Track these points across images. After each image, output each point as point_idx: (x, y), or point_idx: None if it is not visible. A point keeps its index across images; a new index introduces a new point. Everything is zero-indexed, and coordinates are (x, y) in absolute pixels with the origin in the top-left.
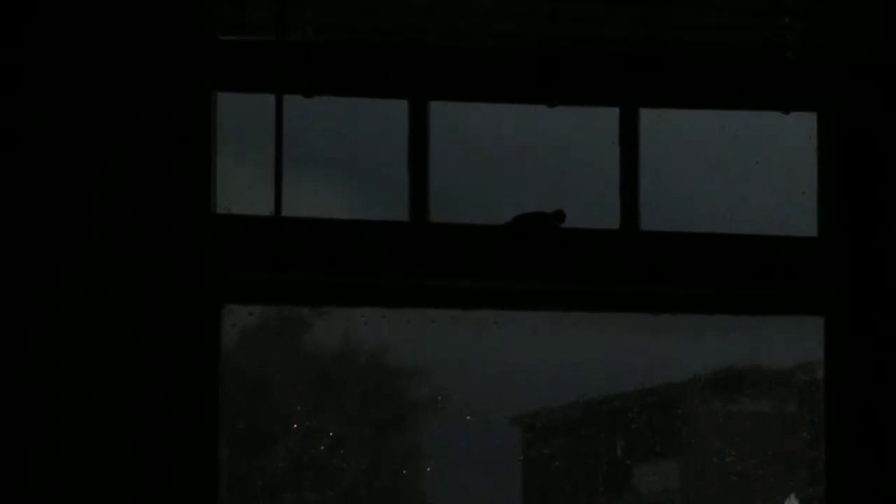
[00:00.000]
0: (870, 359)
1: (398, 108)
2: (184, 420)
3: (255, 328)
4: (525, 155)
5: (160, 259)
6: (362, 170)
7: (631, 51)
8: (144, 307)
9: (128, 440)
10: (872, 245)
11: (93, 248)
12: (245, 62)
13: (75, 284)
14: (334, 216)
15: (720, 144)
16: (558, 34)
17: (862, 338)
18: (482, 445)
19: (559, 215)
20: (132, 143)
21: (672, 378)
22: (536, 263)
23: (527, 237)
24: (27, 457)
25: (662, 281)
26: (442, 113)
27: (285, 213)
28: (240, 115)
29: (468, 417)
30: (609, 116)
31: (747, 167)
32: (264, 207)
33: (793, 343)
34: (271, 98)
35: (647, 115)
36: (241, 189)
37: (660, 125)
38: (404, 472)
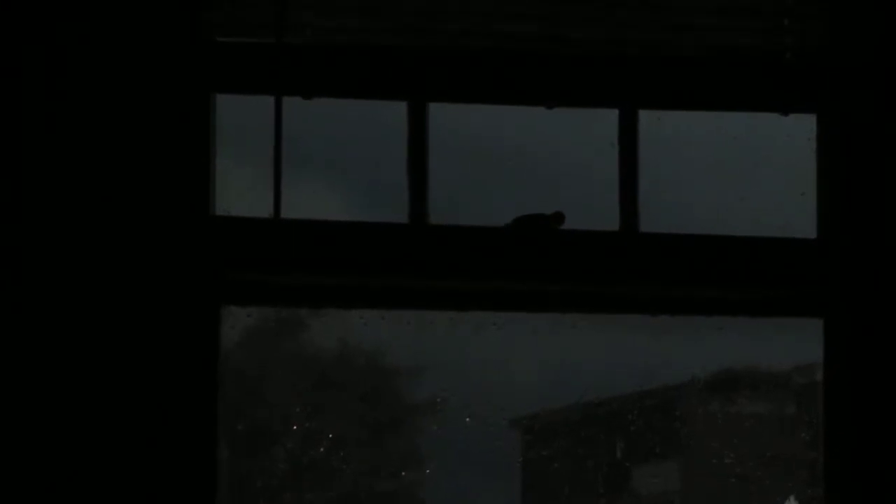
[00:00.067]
0: (869, 360)
1: (397, 110)
2: (183, 421)
3: (254, 329)
4: (524, 157)
5: (159, 260)
6: (361, 171)
7: (630, 52)
8: (143, 308)
9: (127, 441)
10: (871, 247)
11: (91, 249)
12: (244, 64)
13: (74, 285)
14: (333, 218)
15: (719, 146)
16: (557, 35)
17: (861, 339)
18: (481, 447)
19: (558, 217)
20: (131, 144)
21: (671, 380)
22: (535, 265)
23: (526, 239)
24: (27, 457)
25: (661, 282)
26: (441, 115)
27: (284, 214)
28: (239, 116)
29: (467, 419)
30: (608, 118)
31: (746, 169)
32: (263, 209)
33: (791, 345)
34: (270, 100)
35: (646, 117)
36: (240, 191)
37: (659, 127)
38: (403, 473)
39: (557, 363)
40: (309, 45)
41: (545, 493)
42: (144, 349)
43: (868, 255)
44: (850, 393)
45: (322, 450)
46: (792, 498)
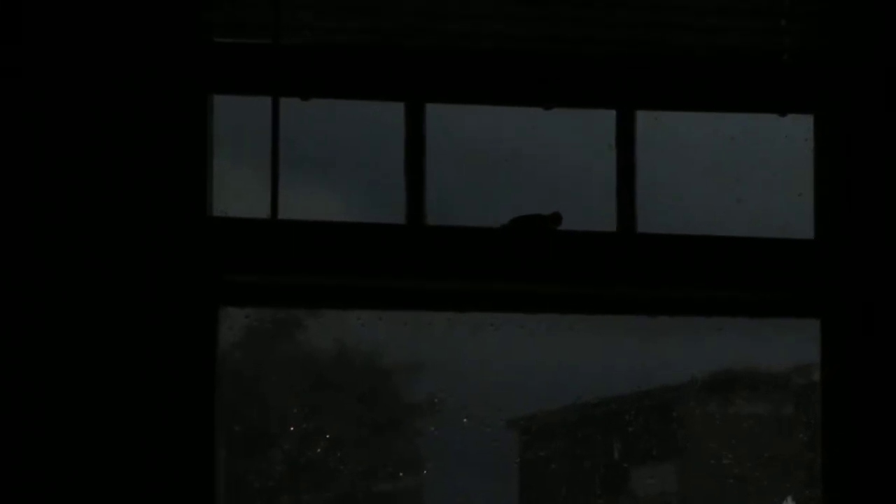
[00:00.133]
0: (867, 361)
1: (395, 111)
2: (181, 422)
3: (252, 330)
4: (522, 157)
5: (157, 261)
6: (359, 172)
7: (627, 53)
8: (141, 309)
9: (125, 441)
10: (869, 247)
11: (89, 250)
12: (241, 65)
13: (72, 286)
14: (331, 219)
15: (716, 147)
16: (554, 36)
17: (859, 340)
18: (479, 448)
19: (556, 218)
20: (129, 145)
21: (669, 380)
22: (533, 266)
23: (523, 240)
24: (26, 458)
25: (659, 283)
26: (438, 116)
27: (282, 215)
28: (237, 117)
29: (465, 420)
30: (605, 119)
31: (744, 170)
32: (261, 210)
33: (789, 345)
34: (268, 101)
35: (643, 118)
36: (237, 191)
37: (656, 128)
38: (401, 474)
39: (555, 364)
40: (306, 45)
41: (543, 494)
42: (142, 350)
43: (866, 255)
44: (847, 393)
45: (319, 451)
46: (790, 498)
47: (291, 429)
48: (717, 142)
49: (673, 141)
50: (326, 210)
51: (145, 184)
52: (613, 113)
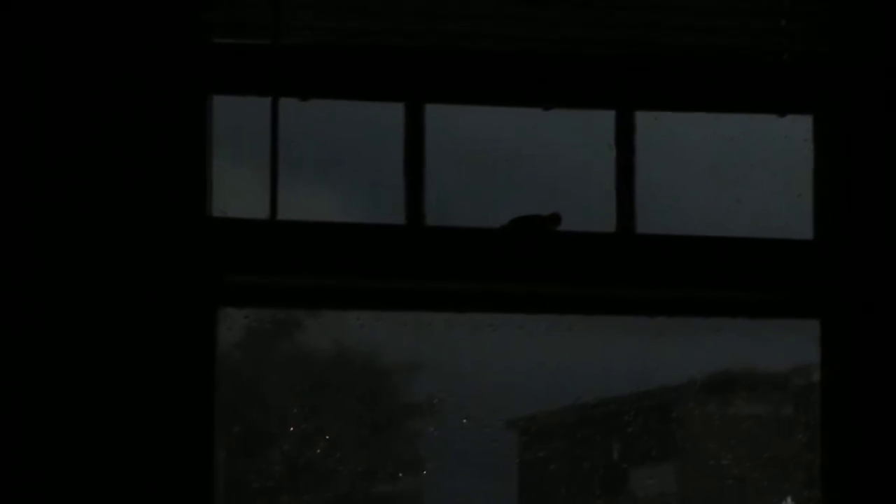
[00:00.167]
0: (866, 361)
1: (395, 111)
2: (180, 422)
3: (251, 331)
4: (521, 158)
5: (156, 262)
6: (359, 173)
7: (627, 53)
8: (141, 309)
9: (124, 441)
10: (869, 248)
11: (88, 251)
12: (241, 65)
13: (70, 286)
14: (330, 219)
15: (716, 147)
16: (553, 36)
17: (858, 340)
18: (478, 448)
19: (555, 218)
20: (128, 145)
21: (668, 381)
22: (532, 266)
23: (522, 240)
24: (25, 458)
25: (658, 284)
26: (438, 116)
27: (281, 216)
28: (236, 118)
29: (464, 420)
30: (605, 119)
31: (743, 170)
32: (260, 210)
33: (789, 346)
34: (267, 101)
35: (642, 119)
36: (237, 192)
37: (655, 128)
38: (400, 474)
39: (554, 364)
40: (305, 46)
41: (542, 495)
42: (142, 350)
43: (865, 256)
44: (847, 394)
45: (319, 451)
46: (789, 499)
47: (291, 429)
48: (717, 142)
49: (672, 141)
50: (326, 211)
51: (145, 184)
52: (613, 113)
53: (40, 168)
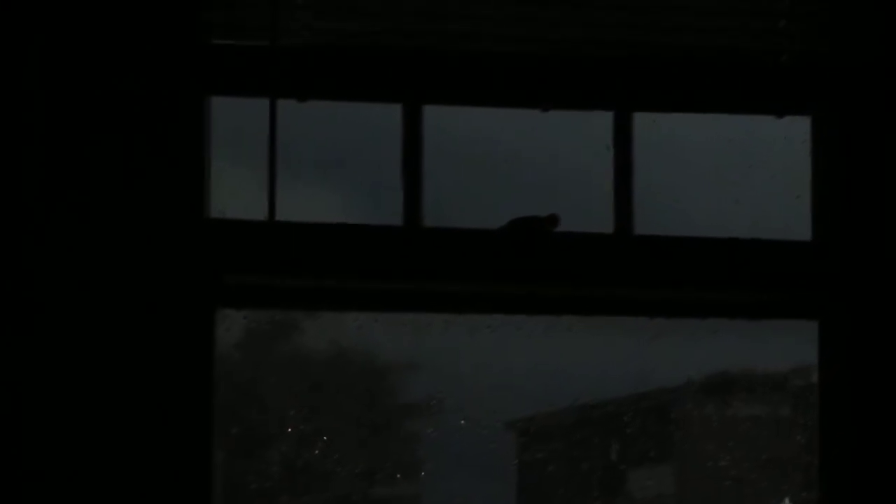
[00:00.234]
0: (865, 363)
1: (393, 113)
2: (179, 423)
3: (249, 332)
4: (519, 159)
5: (154, 263)
6: (357, 174)
7: (625, 54)
8: (138, 311)
9: (123, 443)
10: (867, 249)
11: (86, 251)
12: (239, 66)
13: (69, 288)
14: (328, 221)
15: (714, 148)
16: (551, 37)
17: (857, 341)
18: (476, 449)
19: (553, 219)
20: (126, 146)
21: (666, 382)
22: (530, 268)
23: (521, 241)
24: (24, 459)
25: (656, 285)
26: (436, 117)
27: (279, 217)
28: (235, 118)
29: (462, 421)
30: (603, 121)
31: (742, 171)
32: (259, 211)
33: (787, 347)
34: (266, 102)
35: (640, 120)
36: (235, 193)
37: (654, 129)
38: (398, 475)
39: (552, 366)
40: (303, 47)
41: (540, 496)
42: (140, 352)
43: (864, 257)
44: (846, 395)
45: (317, 452)
46: (787, 500)
47: (289, 430)
48: (716, 143)
49: (671, 142)
50: (325, 212)
51: (143, 185)
52: (611, 114)
53: (40, 168)
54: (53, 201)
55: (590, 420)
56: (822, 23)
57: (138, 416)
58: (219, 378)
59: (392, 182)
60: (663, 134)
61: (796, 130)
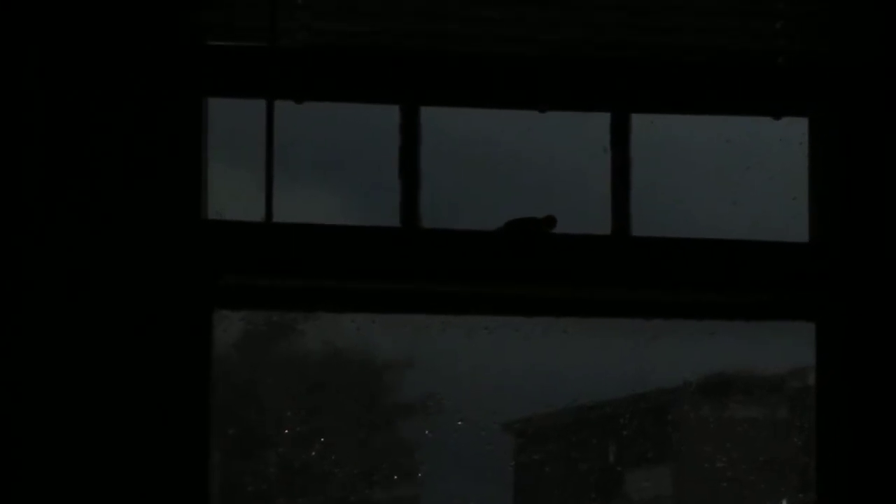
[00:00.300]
0: (862, 364)
1: (392, 114)
2: (176, 424)
3: (247, 333)
4: (517, 160)
5: (151, 264)
6: (355, 175)
7: (623, 55)
8: (135, 311)
9: (119, 444)
10: (865, 250)
11: (83, 253)
12: (236, 67)
13: (65, 288)
14: (325, 222)
15: (712, 150)
16: (549, 38)
17: (854, 343)
18: (473, 451)
19: (550, 221)
20: (123, 148)
21: (664, 384)
22: (527, 269)
23: (518, 243)
24: (20, 460)
25: (654, 286)
26: (434, 119)
27: (277, 218)
28: (232, 120)
29: (459, 423)
30: (602, 122)
31: (739, 172)
32: (256, 213)
33: (785, 349)
34: (264, 103)
35: (638, 121)
36: (233, 194)
37: (651, 131)
38: (395, 477)
39: (549, 367)
40: (300, 48)
41: (537, 497)
42: (137, 352)
43: (862, 258)
44: (843, 397)
45: (314, 453)
46: (784, 502)
47: (286, 431)
48: (713, 145)
49: (668, 144)
50: (323, 213)
51: (140, 186)
52: (608, 115)
53: (35, 171)
54: (48, 203)
55: (587, 421)
56: (820, 23)
57: (135, 417)
58: (216, 379)
59: (390, 183)
60: (661, 135)
61: (793, 132)
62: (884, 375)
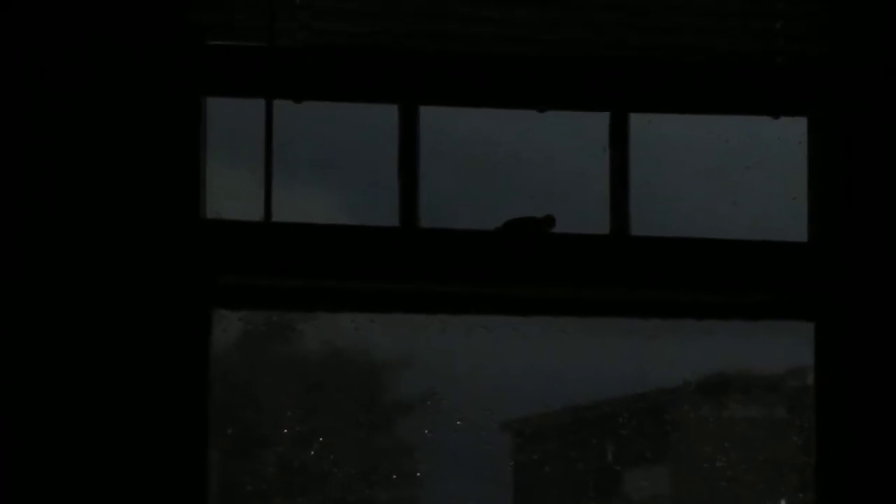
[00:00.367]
0: (861, 364)
1: (391, 113)
2: (174, 424)
3: (245, 333)
4: (516, 160)
5: (150, 264)
6: (354, 175)
7: (621, 55)
8: (134, 311)
9: (118, 443)
10: (864, 250)
11: (81, 252)
12: (235, 67)
13: (64, 288)
14: (324, 221)
15: (711, 149)
16: (548, 38)
17: (853, 343)
18: (472, 450)
19: (549, 220)
20: (121, 147)
21: (662, 383)
22: (526, 268)
23: (516, 242)
24: (15, 461)
25: (652, 286)
26: (433, 118)
27: (276, 218)
28: (230, 119)
29: (458, 422)
30: (601, 122)
31: (738, 172)
32: (255, 212)
33: (783, 348)
34: (262, 103)
35: (636, 120)
36: (231, 194)
37: (650, 130)
38: (394, 476)
39: (548, 367)
40: (298, 48)
41: (536, 497)
42: (136, 352)
43: (860, 258)
44: (841, 397)
45: (312, 453)
46: (783, 502)
47: (285, 431)
48: (712, 144)
49: (667, 144)
50: (322, 213)
51: (138, 186)
52: (607, 115)
53: (34, 170)
54: (47, 202)
55: (586, 421)
56: (818, 24)
57: (134, 417)
58: (214, 379)
59: (388, 182)
60: (659, 134)
61: (792, 131)
62: (883, 375)
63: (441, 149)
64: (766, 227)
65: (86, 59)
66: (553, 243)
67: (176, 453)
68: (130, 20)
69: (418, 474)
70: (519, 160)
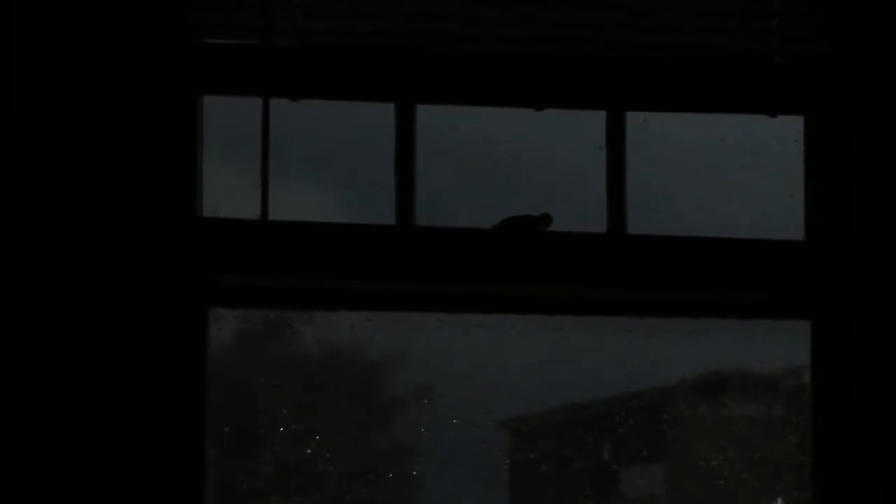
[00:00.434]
0: (857, 363)
1: (388, 112)
2: (171, 422)
3: (242, 331)
4: (514, 159)
5: (146, 262)
6: (351, 173)
7: (617, 54)
8: (130, 310)
9: (113, 443)
10: (860, 249)
11: (77, 252)
12: (232, 66)
13: (59, 288)
14: (321, 220)
15: (707, 148)
16: (544, 37)
17: (850, 342)
18: (469, 449)
19: (546, 219)
20: (118, 146)
21: (658, 382)
22: (523, 267)
23: (513, 241)
24: (11, 460)
25: (649, 284)
26: (430, 117)
27: (272, 216)
28: (227, 117)
29: (454, 421)
30: (598, 121)
31: (735, 171)
32: (251, 211)
33: (780, 347)
34: (259, 101)
35: (633, 119)
36: (228, 192)
37: (646, 129)
38: (390, 475)
39: (544, 365)
40: (295, 46)
41: (532, 495)
42: (132, 351)
43: (857, 257)
44: (838, 396)
45: (309, 452)
46: (779, 500)
47: (281, 429)
48: (709, 143)
49: (663, 142)
50: (319, 211)
51: (135, 184)
52: (604, 114)
53: (30, 169)
54: (43, 201)
55: (582, 420)
56: (816, 23)
57: (130, 416)
58: (211, 377)
59: (385, 181)
60: (656, 133)
61: (788, 130)
62: (879, 374)
63: (440, 148)
64: (763, 225)
65: (84, 58)
66: (549, 242)
67: (173, 452)
68: (128, 19)
69: (415, 473)
70: (518, 159)
